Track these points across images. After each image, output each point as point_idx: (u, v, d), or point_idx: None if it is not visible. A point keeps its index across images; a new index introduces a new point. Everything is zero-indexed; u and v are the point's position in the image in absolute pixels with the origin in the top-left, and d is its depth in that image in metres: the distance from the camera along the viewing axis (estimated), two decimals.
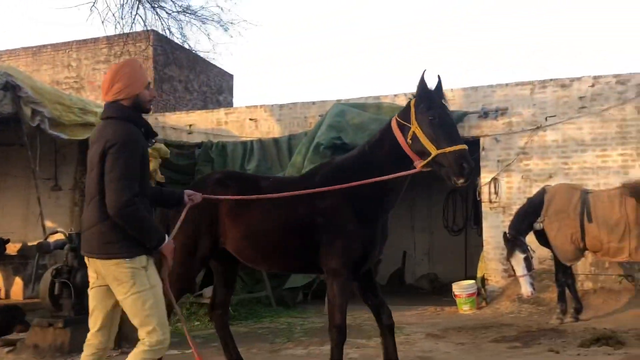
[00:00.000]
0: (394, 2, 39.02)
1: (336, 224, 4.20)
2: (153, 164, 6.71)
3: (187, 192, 3.79)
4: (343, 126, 9.99)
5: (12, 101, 8.85)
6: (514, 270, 7.75)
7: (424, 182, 13.72)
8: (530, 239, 7.87)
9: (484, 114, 9.83)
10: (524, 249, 7.57)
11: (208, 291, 9.06)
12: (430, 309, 9.56)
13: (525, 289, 7.53)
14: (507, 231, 7.80)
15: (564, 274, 7.82)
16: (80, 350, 5.96)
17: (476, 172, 10.04)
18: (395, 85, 42.07)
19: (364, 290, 4.43)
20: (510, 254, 7.66)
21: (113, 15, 13.26)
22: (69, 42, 15.89)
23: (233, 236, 4.50)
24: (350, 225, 4.17)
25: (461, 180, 3.87)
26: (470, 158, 3.92)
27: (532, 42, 36.30)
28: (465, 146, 3.91)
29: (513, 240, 7.61)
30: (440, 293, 11.91)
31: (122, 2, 12.22)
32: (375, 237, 4.24)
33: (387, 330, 4.31)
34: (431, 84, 4.11)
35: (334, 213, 4.21)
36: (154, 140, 3.56)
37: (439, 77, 4.13)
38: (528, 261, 7.54)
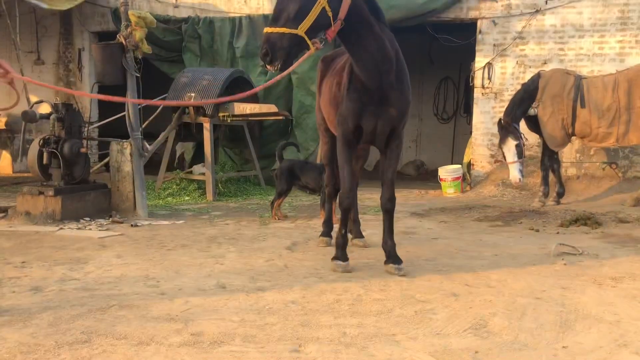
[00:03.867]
0: None
1: (342, 96, 4.24)
2: (139, 34, 6.42)
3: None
4: None
5: None
6: (504, 157, 7.82)
7: (415, 69, 13.54)
8: (521, 124, 7.89)
9: None
10: (517, 135, 7.59)
11: (198, 168, 9.14)
12: (415, 192, 9.75)
13: (514, 175, 7.64)
14: (501, 118, 7.78)
15: (549, 159, 7.93)
16: (71, 218, 6.13)
17: (471, 56, 9.86)
18: None
19: (382, 168, 4.41)
20: (502, 141, 7.69)
21: None
22: None
23: None
24: (345, 96, 4.19)
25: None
26: (264, 41, 3.55)
27: None
28: (266, 29, 3.58)
29: (507, 127, 7.61)
30: (426, 179, 12.13)
31: None
32: (363, 110, 4.11)
33: (383, 211, 4.35)
34: None
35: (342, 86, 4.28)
36: None
37: None
38: (519, 148, 7.59)
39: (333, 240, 4.71)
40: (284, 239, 5.49)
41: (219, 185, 8.83)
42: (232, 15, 10.76)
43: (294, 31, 3.50)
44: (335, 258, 4.24)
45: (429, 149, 14.03)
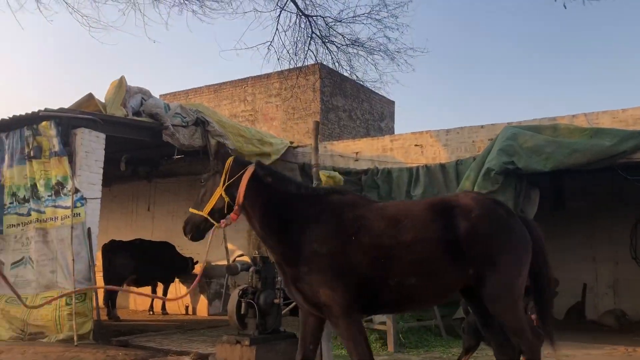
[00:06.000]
0: (569, 15, 36.94)
1: None
2: None
3: None
4: (515, 150, 9.55)
5: (202, 135, 9.86)
6: None
7: (606, 209, 12.58)
8: None
9: None
10: None
11: (378, 317, 9.12)
12: (621, 349, 8.63)
13: None
14: None
15: None
16: None
17: None
18: (573, 105, 39.46)
19: None
20: None
21: (288, 52, 14.11)
22: (245, 78, 17.31)
23: None
24: None
25: None
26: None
27: None
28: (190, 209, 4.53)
29: None
30: (630, 331, 10.75)
31: (295, 39, 12.98)
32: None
33: None
34: None
35: None
36: None
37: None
38: None
39: None
40: None
41: (400, 335, 8.67)
42: (409, 165, 11.21)
43: (199, 212, 4.40)
44: None
45: (629, 296, 12.53)
